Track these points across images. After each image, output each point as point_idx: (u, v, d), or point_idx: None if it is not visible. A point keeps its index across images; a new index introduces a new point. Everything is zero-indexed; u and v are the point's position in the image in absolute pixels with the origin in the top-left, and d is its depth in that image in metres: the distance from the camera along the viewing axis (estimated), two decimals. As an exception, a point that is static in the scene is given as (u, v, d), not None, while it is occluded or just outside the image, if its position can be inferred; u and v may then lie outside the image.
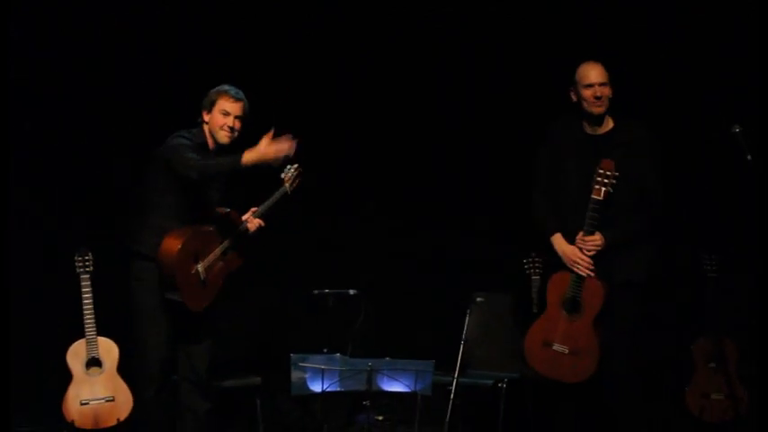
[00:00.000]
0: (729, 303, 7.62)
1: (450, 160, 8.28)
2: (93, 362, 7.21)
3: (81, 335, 7.16)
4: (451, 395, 6.60)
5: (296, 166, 6.26)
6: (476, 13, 8.15)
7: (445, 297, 7.78)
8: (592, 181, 6.03)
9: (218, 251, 5.99)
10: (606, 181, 6.00)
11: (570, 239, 6.13)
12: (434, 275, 8.18)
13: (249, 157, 5.73)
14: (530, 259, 7.73)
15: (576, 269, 6.06)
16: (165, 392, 6.16)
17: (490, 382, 6.83)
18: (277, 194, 6.22)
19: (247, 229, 6.15)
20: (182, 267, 5.83)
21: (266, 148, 5.73)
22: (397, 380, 6.34)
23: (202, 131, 6.07)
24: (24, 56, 7.59)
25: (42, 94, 7.81)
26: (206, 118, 6.06)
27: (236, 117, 6.04)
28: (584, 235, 6.07)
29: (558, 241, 6.14)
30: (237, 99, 6.06)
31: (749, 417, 7.31)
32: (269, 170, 6.05)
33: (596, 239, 6.06)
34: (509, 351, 7.12)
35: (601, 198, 6.01)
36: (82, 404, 7.16)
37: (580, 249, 6.07)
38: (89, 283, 7.21)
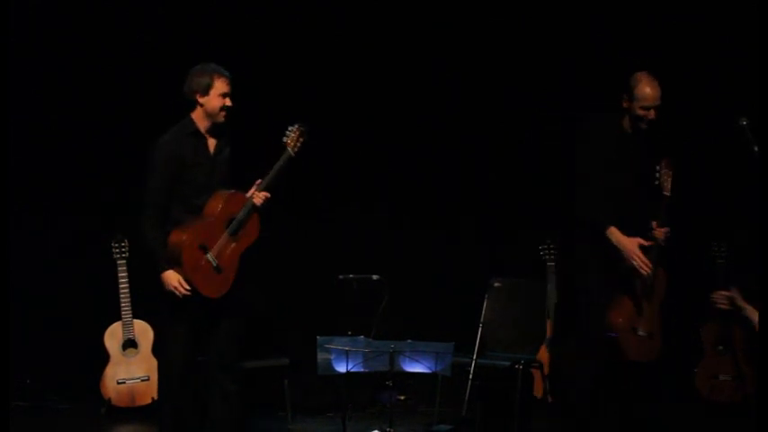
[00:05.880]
0: (737, 288, 7.76)
1: (471, 147, 8.39)
2: (130, 343, 7.46)
3: (118, 318, 7.44)
4: (470, 376, 6.73)
5: (297, 126, 5.96)
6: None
7: (464, 282, 7.92)
8: (642, 177, 6.26)
9: (225, 235, 5.80)
10: (668, 177, 6.26)
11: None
12: (454, 261, 8.31)
13: (164, 277, 5.71)
14: (545, 246, 7.92)
15: (633, 262, 6.20)
16: (191, 384, 6.00)
17: (507, 363, 6.85)
18: (281, 161, 5.91)
19: (254, 205, 5.87)
20: (189, 260, 5.73)
21: (174, 285, 5.69)
22: (418, 361, 6.41)
23: (192, 120, 5.86)
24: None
25: (76, 81, 7.98)
26: (201, 101, 5.81)
27: (231, 95, 5.86)
28: (658, 226, 6.29)
29: (617, 234, 6.16)
30: (230, 77, 5.86)
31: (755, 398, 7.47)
32: (272, 136, 5.97)
33: (668, 231, 6.30)
34: (525, 334, 7.29)
35: (669, 194, 6.26)
36: (119, 383, 7.42)
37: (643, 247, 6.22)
38: (125, 268, 7.46)
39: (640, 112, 6.21)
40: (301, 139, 5.96)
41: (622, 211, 6.24)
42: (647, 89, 6.19)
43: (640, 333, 6.29)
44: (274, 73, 8.15)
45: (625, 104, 6.27)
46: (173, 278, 5.75)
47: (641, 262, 6.17)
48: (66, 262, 7.90)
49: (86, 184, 8.02)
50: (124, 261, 7.46)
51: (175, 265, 5.76)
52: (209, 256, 5.79)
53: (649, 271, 6.20)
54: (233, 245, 5.86)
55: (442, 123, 8.38)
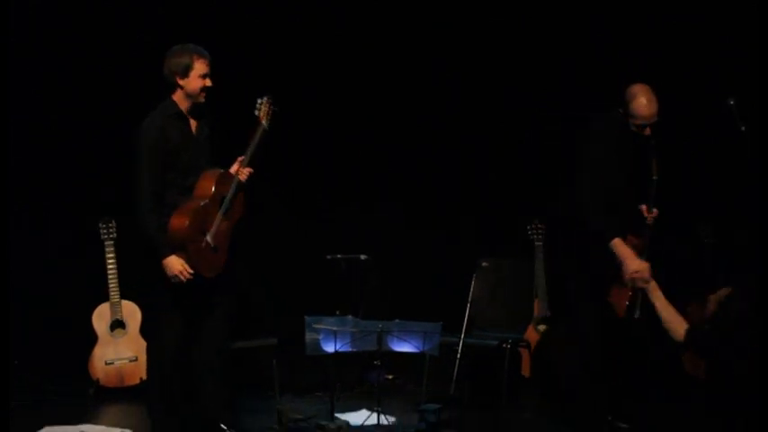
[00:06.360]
0: (724, 268, 7.80)
1: (458, 127, 8.40)
2: (118, 324, 7.47)
3: (105, 298, 7.44)
4: (458, 355, 6.77)
5: (266, 99, 6.02)
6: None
7: (452, 262, 7.95)
8: (641, 171, 6.30)
9: (219, 214, 5.86)
10: (656, 161, 6.31)
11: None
12: (442, 241, 8.34)
13: (167, 263, 5.71)
14: (533, 225, 7.93)
15: (637, 283, 6.20)
16: (182, 368, 6.03)
17: (495, 342, 6.92)
18: (257, 135, 5.97)
19: (240, 182, 5.95)
20: (193, 244, 5.76)
21: (178, 270, 5.70)
22: (406, 340, 6.53)
23: (174, 102, 5.88)
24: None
25: (68, 62, 7.96)
26: (181, 82, 5.82)
27: (210, 75, 5.88)
28: (648, 210, 6.35)
29: (622, 248, 6.12)
30: (208, 57, 5.87)
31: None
32: (244, 111, 6.02)
33: (657, 214, 6.38)
34: (513, 313, 7.33)
35: (657, 177, 6.31)
36: (107, 364, 7.43)
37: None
38: (113, 249, 7.47)
39: (636, 123, 6.23)
40: (272, 110, 6.02)
41: (621, 204, 6.31)
42: (642, 110, 6.21)
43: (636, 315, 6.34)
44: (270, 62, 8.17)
45: (622, 110, 6.29)
46: (176, 263, 5.76)
47: (640, 281, 6.16)
48: (53, 243, 7.90)
49: (72, 162, 8.00)
50: (112, 242, 7.47)
51: (179, 250, 5.77)
52: (208, 237, 5.84)
53: (647, 285, 6.23)
54: (225, 223, 5.92)
55: (431, 104, 8.40)
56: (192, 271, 5.77)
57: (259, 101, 6.02)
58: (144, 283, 6.02)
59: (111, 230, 7.48)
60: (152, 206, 5.77)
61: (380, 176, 8.41)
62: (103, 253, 7.45)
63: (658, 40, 7.98)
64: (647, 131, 6.24)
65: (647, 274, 6.06)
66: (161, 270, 5.78)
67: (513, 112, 8.27)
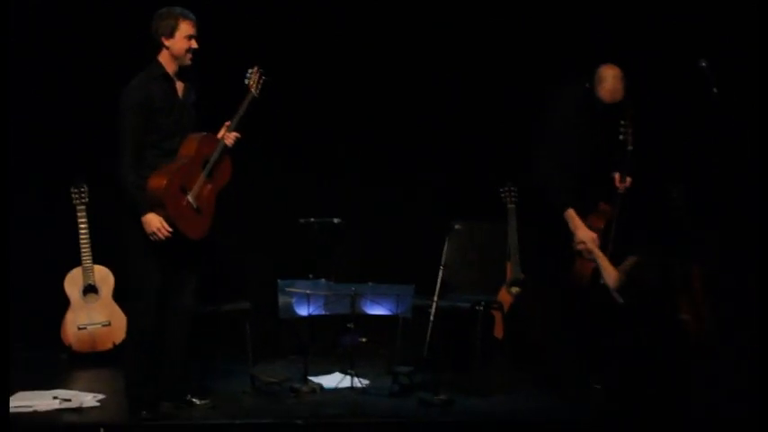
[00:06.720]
0: (695, 231, 7.84)
1: (428, 90, 8.34)
2: (90, 288, 7.46)
3: (77, 263, 7.44)
4: (431, 318, 6.75)
5: (255, 69, 6.19)
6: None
7: (425, 225, 7.95)
8: (608, 137, 6.43)
9: (202, 176, 5.94)
10: (631, 131, 6.44)
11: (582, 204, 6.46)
12: (415, 204, 8.33)
13: (146, 220, 5.75)
14: (505, 188, 7.94)
15: (581, 249, 6.37)
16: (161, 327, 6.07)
17: (468, 304, 6.93)
18: (245, 102, 6.12)
19: (226, 146, 6.06)
20: (172, 202, 5.81)
21: (156, 227, 5.74)
22: (379, 303, 6.57)
23: (159, 63, 5.94)
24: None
25: (35, 34, 7.89)
26: (167, 43, 5.91)
27: (196, 37, 5.96)
28: (621, 178, 6.48)
29: (575, 220, 6.39)
30: (194, 20, 5.96)
31: (713, 335, 7.58)
32: (234, 79, 6.16)
33: (630, 182, 6.53)
34: (485, 276, 7.35)
35: (632, 147, 6.45)
36: (79, 329, 7.42)
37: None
38: (85, 213, 7.45)
39: (600, 103, 6.44)
40: (262, 80, 6.17)
41: (591, 174, 6.46)
42: (607, 94, 6.42)
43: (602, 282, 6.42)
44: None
45: (589, 86, 6.47)
46: (154, 220, 5.80)
47: (586, 253, 6.36)
48: (24, 207, 7.80)
49: (44, 125, 7.96)
50: (83, 206, 7.45)
51: (157, 208, 5.81)
52: (189, 197, 5.90)
53: (590, 255, 6.39)
54: (209, 186, 6.00)
55: (403, 66, 8.34)
56: (170, 229, 5.80)
57: (249, 71, 6.17)
58: (124, 241, 6.00)
59: (82, 195, 7.47)
60: (133, 163, 5.82)
61: (353, 140, 8.35)
62: (75, 217, 7.42)
63: (631, 3, 7.97)
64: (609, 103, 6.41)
65: (590, 245, 6.23)
66: (140, 227, 5.82)
67: (487, 74, 8.25)
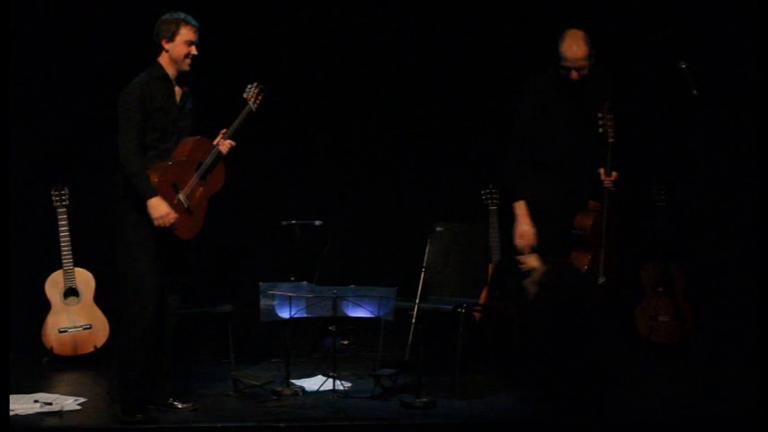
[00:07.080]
0: (677, 230, 7.88)
1: (410, 92, 8.37)
2: (71, 292, 7.43)
3: (58, 266, 7.40)
4: (413, 320, 6.76)
5: (256, 84, 6.29)
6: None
7: (407, 227, 7.98)
8: (582, 124, 6.34)
9: (195, 177, 5.98)
10: (611, 123, 6.33)
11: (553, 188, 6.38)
12: (396, 206, 8.35)
13: (153, 204, 5.78)
14: (487, 190, 7.96)
15: (519, 246, 6.30)
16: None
17: (450, 307, 6.92)
18: (243, 114, 6.20)
19: (220, 152, 6.11)
20: (163, 198, 5.80)
21: (164, 213, 5.77)
22: (361, 306, 6.53)
23: (160, 65, 6.00)
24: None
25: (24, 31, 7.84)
26: (166, 46, 5.98)
27: (197, 44, 6.06)
28: (606, 173, 6.38)
29: (522, 212, 6.28)
30: (196, 26, 6.02)
31: (694, 338, 7.62)
32: (232, 92, 6.25)
33: (617, 176, 6.41)
34: (467, 278, 7.34)
35: (613, 140, 6.34)
36: (60, 332, 7.39)
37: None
38: (66, 216, 7.41)
39: (563, 71, 6.26)
40: (261, 96, 6.27)
41: (564, 163, 6.36)
42: (566, 51, 6.23)
43: (600, 281, 6.40)
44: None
45: (552, 65, 6.35)
46: (161, 205, 5.83)
47: (523, 249, 6.29)
48: (6, 210, 7.73)
49: (24, 128, 7.87)
50: (65, 209, 7.42)
51: None
52: (180, 195, 5.94)
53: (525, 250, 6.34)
54: (201, 188, 6.05)
55: (384, 69, 8.37)
56: (176, 215, 5.85)
57: (249, 86, 6.27)
58: (120, 243, 5.96)
59: (63, 198, 7.43)
60: (137, 149, 5.86)
61: (335, 142, 8.37)
62: (56, 220, 7.40)
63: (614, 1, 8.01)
64: (574, 75, 6.23)
65: (525, 240, 6.20)
66: (139, 228, 5.85)
67: (467, 77, 8.26)
